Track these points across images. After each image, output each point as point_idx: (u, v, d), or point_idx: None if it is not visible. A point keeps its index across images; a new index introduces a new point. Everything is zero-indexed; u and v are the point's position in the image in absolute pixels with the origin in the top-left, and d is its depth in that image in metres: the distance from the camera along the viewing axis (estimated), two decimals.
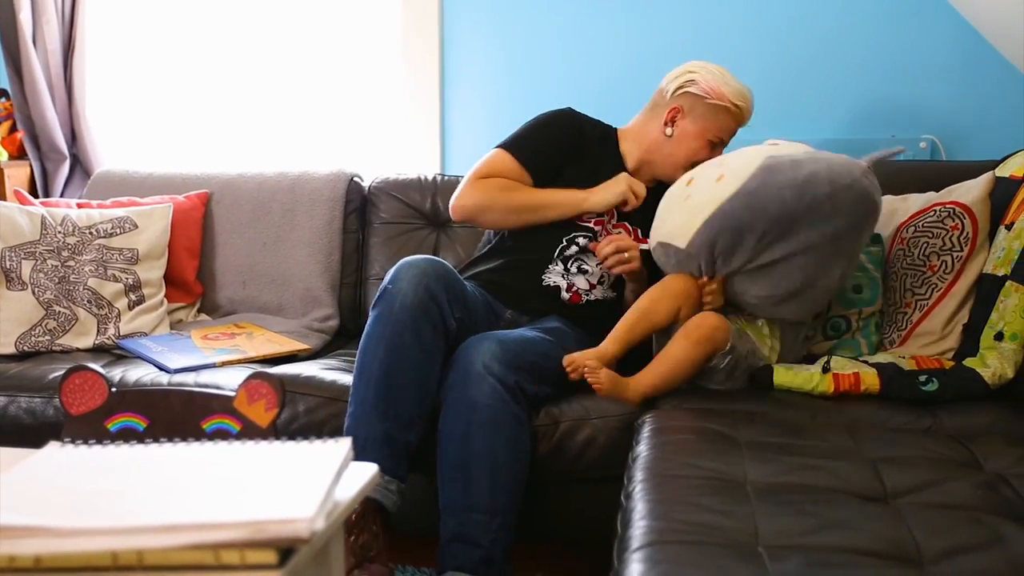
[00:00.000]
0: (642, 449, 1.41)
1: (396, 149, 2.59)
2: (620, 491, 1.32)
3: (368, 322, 1.63)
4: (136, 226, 2.19)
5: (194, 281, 2.29)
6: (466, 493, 1.52)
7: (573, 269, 1.92)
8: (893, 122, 2.36)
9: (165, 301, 2.19)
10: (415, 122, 2.53)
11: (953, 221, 1.87)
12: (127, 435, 1.08)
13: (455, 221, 2.01)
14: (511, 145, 1.93)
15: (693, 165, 1.85)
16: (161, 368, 1.87)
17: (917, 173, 2.10)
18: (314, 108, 2.69)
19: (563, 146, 1.94)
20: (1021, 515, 1.15)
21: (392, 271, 1.65)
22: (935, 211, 1.90)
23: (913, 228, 1.93)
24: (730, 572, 0.96)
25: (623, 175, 1.90)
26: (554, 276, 1.92)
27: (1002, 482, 1.26)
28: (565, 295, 1.92)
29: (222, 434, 1.09)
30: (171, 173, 2.43)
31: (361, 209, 2.36)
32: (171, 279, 2.23)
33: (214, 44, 2.72)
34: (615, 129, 2.03)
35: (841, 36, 2.35)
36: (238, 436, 1.08)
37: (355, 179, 2.38)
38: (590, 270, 1.93)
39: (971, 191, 1.88)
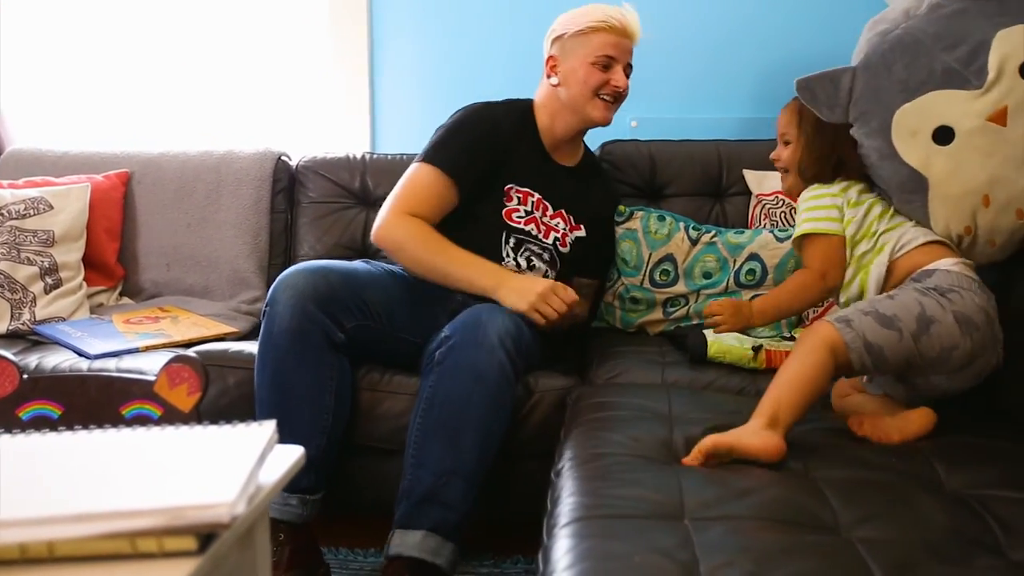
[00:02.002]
0: (572, 425, 1.42)
1: (324, 127, 2.54)
2: (551, 468, 1.33)
3: (259, 339, 1.63)
4: (51, 207, 2.10)
5: (115, 264, 2.22)
6: (452, 456, 1.52)
7: (523, 264, 1.87)
8: None
9: (84, 285, 2.11)
10: (344, 98, 2.49)
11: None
12: (40, 423, 1.04)
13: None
14: (432, 157, 1.83)
15: (600, 93, 1.85)
16: (80, 354, 1.81)
17: None
18: (239, 84, 2.61)
19: (482, 147, 1.86)
20: (931, 482, 1.20)
21: (273, 286, 1.63)
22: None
23: None
24: (656, 543, 0.98)
25: (540, 287, 1.71)
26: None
27: (915, 452, 1.31)
28: (539, 263, 1.90)
29: (142, 420, 1.06)
30: (88, 152, 2.34)
31: (289, 188, 2.32)
32: (90, 262, 2.16)
33: (133, 17, 2.62)
34: (531, 102, 1.97)
35: (767, 17, 2.39)
36: (159, 422, 1.05)
37: (283, 158, 2.33)
38: (538, 263, 1.88)
39: None
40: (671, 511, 1.07)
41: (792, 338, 1.91)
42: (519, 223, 1.87)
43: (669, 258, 2.04)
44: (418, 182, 1.82)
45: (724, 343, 1.78)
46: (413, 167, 1.85)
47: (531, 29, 2.41)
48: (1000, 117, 1.44)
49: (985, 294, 1.41)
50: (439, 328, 1.66)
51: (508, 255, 1.85)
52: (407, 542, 1.50)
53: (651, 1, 2.38)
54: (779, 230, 2.03)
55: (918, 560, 0.98)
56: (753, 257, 1.99)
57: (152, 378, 1.07)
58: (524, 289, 1.70)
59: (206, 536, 0.68)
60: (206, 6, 2.59)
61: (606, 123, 1.89)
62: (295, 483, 1.53)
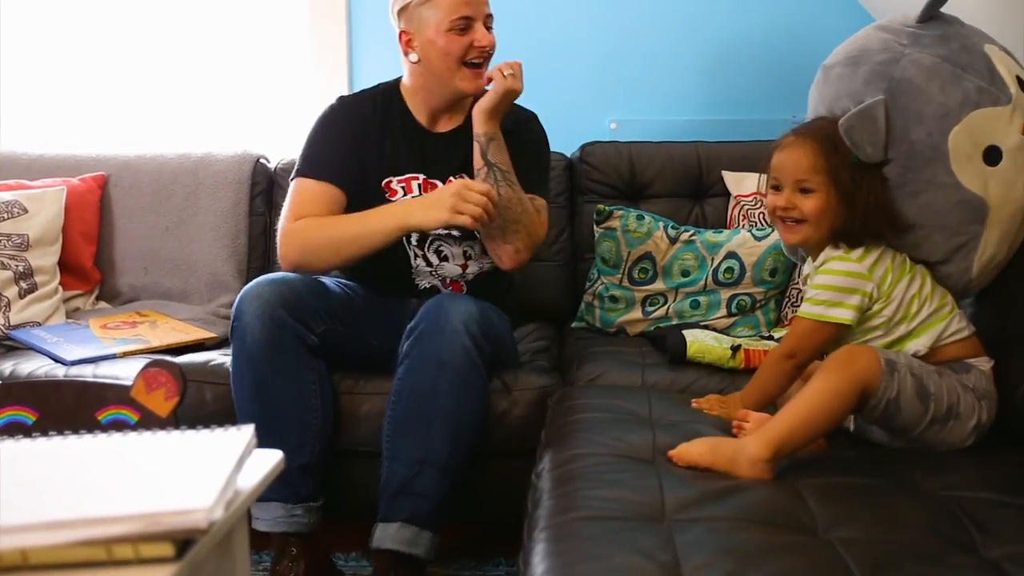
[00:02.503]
0: (553, 427, 1.42)
1: (303, 129, 2.51)
2: (532, 469, 1.33)
3: (230, 358, 1.60)
4: (26, 210, 2.07)
5: (91, 268, 2.20)
6: (423, 447, 1.52)
7: (435, 259, 1.78)
8: (793, 103, 2.43)
9: (60, 289, 2.09)
10: (322, 100, 2.44)
11: None
12: (14, 430, 1.03)
13: None
14: (304, 168, 1.75)
15: (466, 61, 1.68)
16: (57, 360, 1.79)
17: None
18: (217, 86, 2.60)
19: (351, 142, 1.75)
20: (907, 484, 1.21)
21: (237, 301, 1.59)
22: None
23: None
24: (637, 544, 0.98)
25: (450, 190, 1.60)
26: (424, 278, 1.80)
27: (891, 455, 1.33)
28: (447, 289, 1.81)
29: (119, 425, 1.04)
30: (64, 154, 2.31)
31: (268, 191, 2.30)
32: (66, 266, 2.13)
33: (110, 18, 2.59)
34: (398, 82, 1.83)
35: (744, 22, 2.41)
36: (136, 427, 1.04)
37: (261, 160, 2.31)
38: (449, 251, 1.78)
39: None
40: (652, 512, 1.08)
41: (771, 337, 1.92)
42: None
43: (648, 256, 2.05)
44: (299, 198, 1.72)
45: (703, 343, 1.79)
46: (292, 185, 1.75)
47: (509, 30, 2.42)
48: None
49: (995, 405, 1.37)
50: (404, 323, 1.63)
51: (416, 255, 1.77)
52: (385, 535, 1.52)
53: (631, 4, 2.41)
54: (757, 229, 2.04)
55: (895, 559, 0.99)
56: (731, 255, 2.01)
57: (129, 383, 1.06)
58: (435, 200, 1.60)
59: (183, 542, 0.67)
60: (184, 8, 2.57)
61: (479, 91, 1.70)
62: (296, 492, 1.57)
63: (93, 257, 2.21)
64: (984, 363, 1.37)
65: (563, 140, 2.31)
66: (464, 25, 1.66)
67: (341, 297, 1.74)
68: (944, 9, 1.48)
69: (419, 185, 1.77)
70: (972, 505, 1.13)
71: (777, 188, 1.43)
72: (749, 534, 1.03)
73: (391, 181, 1.77)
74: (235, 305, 1.59)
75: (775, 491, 1.16)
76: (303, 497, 1.58)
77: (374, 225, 1.65)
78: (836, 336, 1.39)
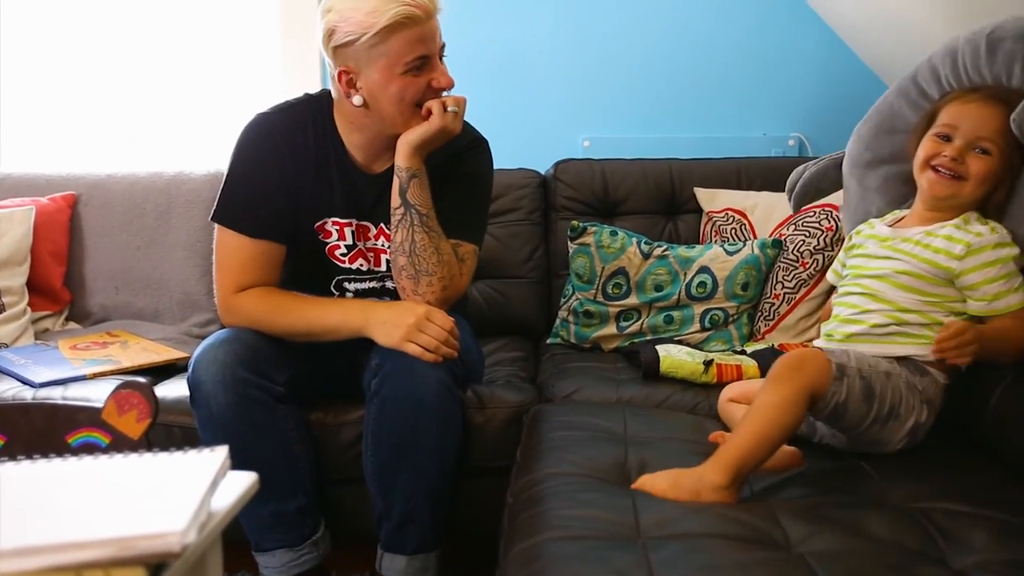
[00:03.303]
0: (528, 445, 1.42)
1: None
2: (507, 487, 1.33)
3: (196, 423, 1.52)
4: None
5: (61, 288, 2.17)
6: (414, 483, 1.51)
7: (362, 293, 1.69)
8: (764, 121, 2.48)
9: (28, 310, 2.07)
10: None
11: (828, 223, 1.99)
12: None
13: None
14: (238, 219, 1.56)
15: (421, 103, 1.50)
16: (24, 382, 1.76)
17: (789, 168, 2.19)
18: (189, 105, 2.59)
19: (286, 181, 1.57)
20: (875, 497, 1.23)
21: (191, 367, 1.50)
22: (815, 212, 2.01)
23: (793, 226, 2.04)
24: (611, 563, 0.98)
25: (412, 317, 1.48)
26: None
27: (857, 468, 1.34)
28: (388, 298, 1.69)
29: (89, 448, 1.03)
30: (32, 174, 2.29)
31: None
32: (35, 286, 2.11)
33: (80, 36, 2.58)
34: (330, 109, 1.61)
35: (715, 41, 2.45)
36: (107, 449, 1.03)
37: None
38: (367, 286, 1.69)
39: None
40: (626, 531, 1.08)
41: (744, 352, 1.94)
42: (343, 262, 1.65)
43: (621, 271, 2.06)
44: (228, 251, 1.57)
45: (676, 358, 1.81)
46: (216, 234, 1.60)
47: (482, 49, 2.44)
48: None
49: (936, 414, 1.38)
50: (365, 349, 1.55)
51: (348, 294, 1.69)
52: (395, 567, 1.55)
53: (603, 23, 2.44)
54: (729, 245, 2.07)
55: (865, 571, 1.00)
56: (704, 270, 2.03)
57: (99, 405, 1.05)
58: (395, 321, 1.48)
59: (156, 566, 0.67)
60: (155, 25, 2.56)
61: None
62: (300, 534, 1.56)
63: (63, 277, 2.18)
64: (942, 377, 1.38)
65: (537, 157, 2.34)
66: (420, 64, 1.46)
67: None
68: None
69: (352, 232, 1.64)
70: (940, 517, 1.15)
71: (947, 138, 1.38)
72: (723, 551, 1.04)
73: (325, 223, 1.63)
74: (191, 371, 1.50)
75: (748, 508, 1.17)
76: (307, 535, 1.57)
77: (330, 323, 1.53)
78: None
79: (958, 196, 1.38)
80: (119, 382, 1.06)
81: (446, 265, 1.54)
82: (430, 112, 1.50)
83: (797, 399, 1.23)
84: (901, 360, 1.37)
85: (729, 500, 1.19)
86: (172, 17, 2.56)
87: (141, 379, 1.62)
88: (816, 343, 1.49)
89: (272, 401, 1.52)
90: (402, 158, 1.51)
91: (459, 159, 1.64)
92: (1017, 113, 1.32)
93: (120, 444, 1.03)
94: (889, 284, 1.40)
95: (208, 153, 2.54)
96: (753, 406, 1.26)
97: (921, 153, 1.42)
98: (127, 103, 2.60)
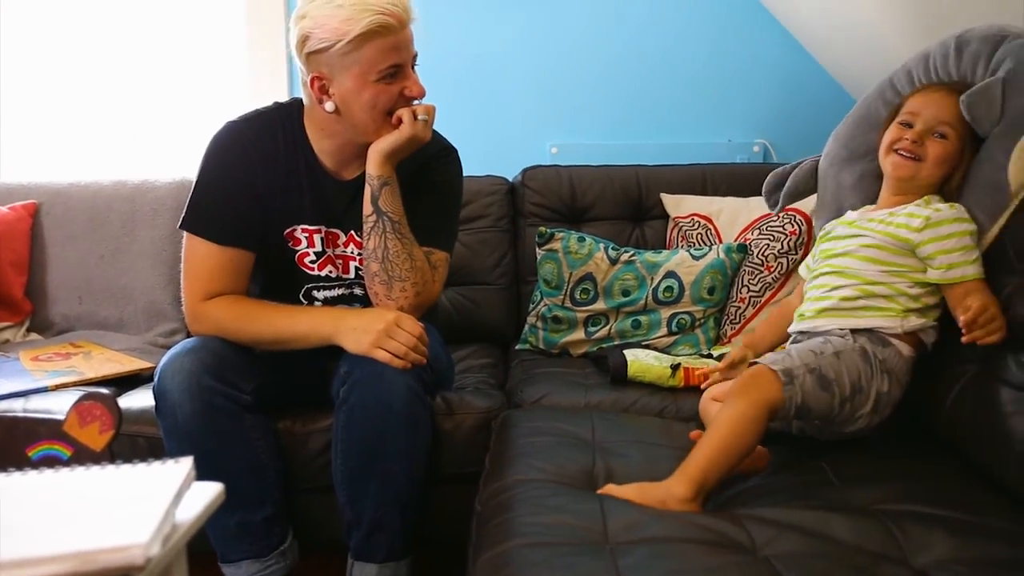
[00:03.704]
0: (497, 451, 1.42)
1: None
2: (476, 493, 1.33)
3: (162, 433, 1.50)
4: None
5: (22, 298, 2.14)
6: (384, 489, 1.50)
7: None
8: (729, 128, 2.52)
9: None
10: None
11: (792, 227, 2.02)
12: None
13: None
14: (206, 226, 1.55)
15: (393, 111, 1.51)
16: None
17: (754, 174, 2.25)
18: (155, 113, 2.56)
19: (254, 189, 1.57)
20: (837, 499, 1.25)
21: (157, 376, 1.48)
22: (779, 216, 2.04)
23: (758, 231, 2.07)
24: (579, 569, 0.99)
25: (382, 323, 1.48)
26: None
27: (818, 470, 1.36)
28: (358, 305, 1.69)
29: (51, 461, 1.02)
30: None
31: None
32: None
33: (42, 42, 2.54)
34: (301, 116, 1.61)
35: (681, 50, 2.47)
36: (69, 462, 1.02)
37: None
38: (336, 293, 1.68)
39: (812, 202, 2.02)
40: (594, 536, 1.08)
41: (710, 355, 1.96)
42: (312, 269, 1.65)
43: (589, 277, 2.08)
44: (196, 259, 1.56)
45: (643, 362, 1.82)
46: (185, 241, 1.58)
47: (451, 56, 2.45)
48: None
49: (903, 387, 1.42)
50: (334, 357, 1.54)
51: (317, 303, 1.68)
52: (366, 575, 1.54)
53: (571, 31, 2.46)
54: (695, 249, 2.09)
55: (829, 573, 1.02)
56: (670, 275, 2.05)
57: (61, 417, 1.03)
58: (364, 328, 1.48)
59: None
60: (120, 33, 2.54)
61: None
62: (267, 544, 1.54)
63: (24, 287, 2.15)
64: (906, 349, 1.42)
65: (505, 164, 2.35)
66: (393, 73, 1.47)
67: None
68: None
69: (321, 239, 1.63)
70: (900, 517, 1.16)
71: (909, 125, 1.48)
72: (690, 555, 1.04)
73: (295, 230, 1.62)
74: (156, 380, 1.48)
75: (714, 513, 1.18)
76: (274, 545, 1.56)
77: (299, 331, 1.53)
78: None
79: (918, 177, 1.47)
80: (82, 393, 1.05)
81: (419, 271, 1.55)
82: (400, 120, 1.51)
83: (756, 414, 1.28)
84: (866, 332, 1.42)
85: (695, 511, 1.21)
86: (137, 24, 2.54)
87: (104, 390, 1.61)
88: (791, 328, 1.53)
89: (239, 410, 1.50)
90: (373, 166, 1.52)
91: (429, 168, 1.64)
92: (965, 96, 1.43)
93: (82, 456, 1.02)
94: (855, 258, 1.47)
95: (174, 161, 2.52)
96: (715, 421, 1.30)
97: (886, 139, 1.51)
98: (91, 111, 2.57)
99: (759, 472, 1.36)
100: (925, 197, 1.47)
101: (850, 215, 1.57)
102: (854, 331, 1.42)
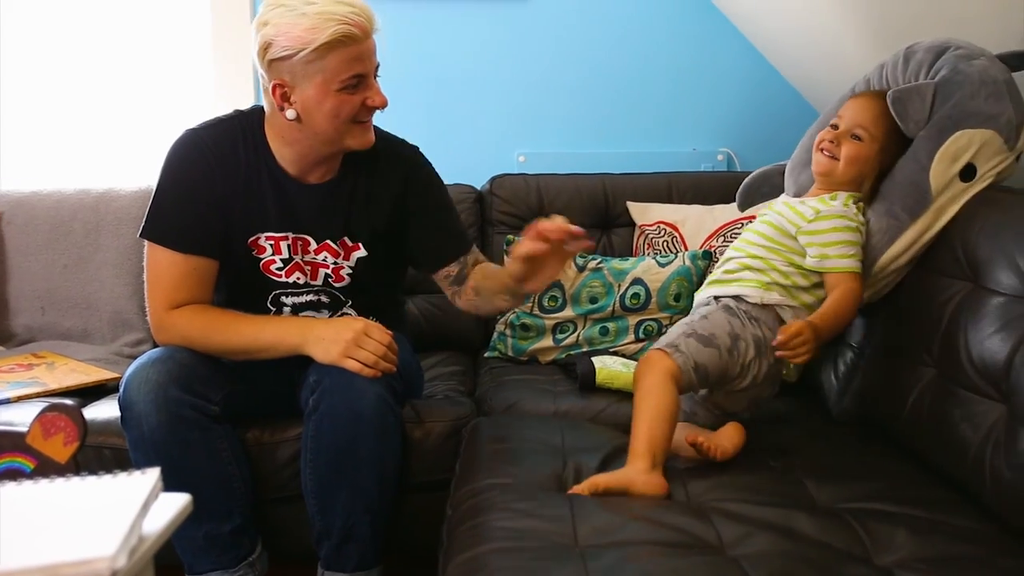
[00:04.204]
0: (467, 458, 1.43)
1: None
2: (447, 500, 1.34)
3: (128, 444, 1.48)
4: None
5: None
6: (354, 498, 1.49)
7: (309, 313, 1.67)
8: (694, 137, 2.55)
9: None
10: None
11: None
12: None
13: None
14: (168, 235, 1.53)
15: (357, 119, 1.50)
16: None
17: (719, 182, 2.29)
18: (118, 120, 2.53)
19: (217, 197, 1.55)
20: (803, 499, 1.27)
21: (123, 387, 1.47)
22: (742, 223, 2.07)
23: (722, 238, 2.10)
24: (550, 574, 1.00)
25: (350, 333, 1.48)
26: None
27: (788, 471, 1.39)
28: (327, 312, 1.68)
29: (13, 474, 1.00)
30: None
31: None
32: None
33: (2, 51, 2.51)
34: (262, 123, 1.59)
35: (647, 61, 2.50)
36: (32, 475, 1.00)
37: None
38: (304, 299, 1.66)
39: None
40: (565, 541, 1.10)
41: None
42: (279, 276, 1.62)
43: (557, 284, 2.09)
44: (159, 268, 1.54)
45: (611, 369, 1.84)
46: (146, 250, 1.57)
47: (420, 65, 2.45)
48: (996, 174, 1.51)
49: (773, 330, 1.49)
50: (302, 367, 1.54)
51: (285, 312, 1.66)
52: None
53: (538, 42, 2.48)
54: (661, 257, 2.11)
55: (795, 573, 1.04)
56: (637, 282, 2.07)
57: (24, 429, 1.02)
58: (332, 337, 1.48)
59: None
60: (83, 39, 2.51)
61: (369, 146, 1.55)
62: (236, 555, 1.53)
63: None
64: (767, 318, 1.51)
65: (473, 173, 2.36)
66: (356, 83, 1.46)
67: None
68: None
69: (288, 246, 1.61)
70: (863, 515, 1.19)
71: (835, 127, 1.59)
72: (659, 558, 1.06)
73: (259, 238, 1.60)
74: (122, 391, 1.47)
75: (683, 514, 1.20)
76: (242, 556, 1.54)
77: (267, 340, 1.52)
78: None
79: (833, 173, 1.58)
80: (45, 405, 1.04)
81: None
82: (362, 126, 1.53)
83: (659, 381, 1.40)
84: (730, 298, 1.54)
85: (660, 484, 1.28)
86: (101, 32, 2.51)
87: (69, 401, 1.59)
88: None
89: (206, 421, 1.49)
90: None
91: (414, 173, 1.65)
92: (892, 92, 1.53)
93: (46, 469, 1.01)
94: (750, 232, 1.62)
95: (139, 170, 2.49)
96: (635, 403, 1.42)
97: (816, 138, 1.63)
98: (54, 119, 2.53)
99: (738, 448, 1.43)
100: (835, 192, 1.58)
101: (776, 200, 1.69)
102: (717, 297, 1.56)
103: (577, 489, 1.27)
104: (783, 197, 1.73)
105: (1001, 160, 1.50)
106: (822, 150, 1.59)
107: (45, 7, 2.50)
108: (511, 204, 2.29)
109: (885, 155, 1.57)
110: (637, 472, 1.30)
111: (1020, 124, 1.51)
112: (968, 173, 1.50)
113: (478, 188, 2.34)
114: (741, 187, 1.94)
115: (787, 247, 1.56)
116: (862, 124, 1.56)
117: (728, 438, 1.43)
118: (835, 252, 1.51)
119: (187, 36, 2.50)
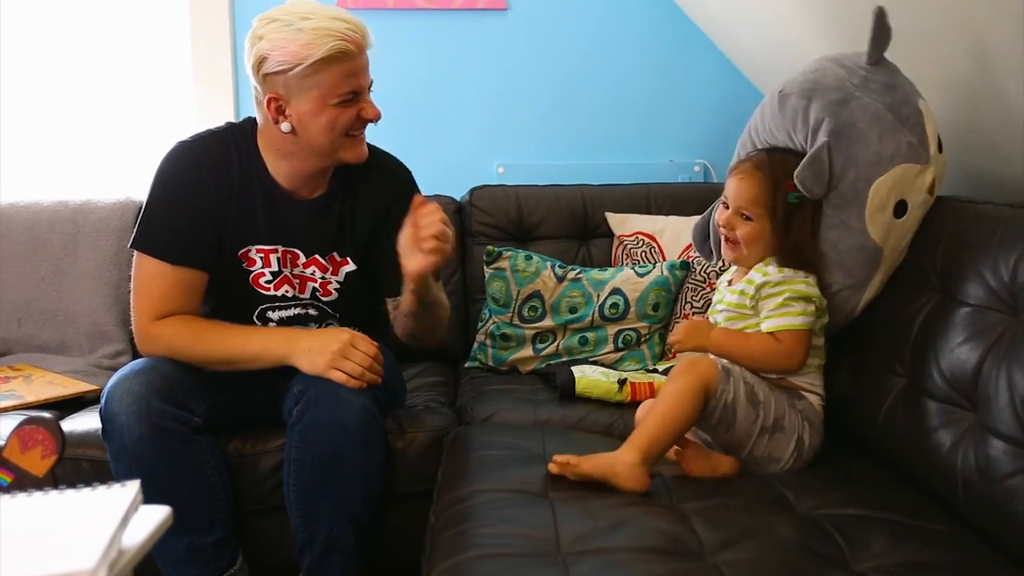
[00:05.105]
0: (450, 467, 1.43)
1: None
2: (429, 509, 1.34)
3: (109, 456, 1.48)
4: None
5: None
6: (338, 507, 1.49)
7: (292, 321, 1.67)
8: (671, 149, 2.58)
9: None
10: None
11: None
12: None
13: None
14: (145, 243, 1.54)
15: (350, 132, 1.53)
16: None
17: (695, 193, 2.31)
18: (96, 132, 2.52)
19: (209, 209, 1.55)
20: (782, 506, 1.29)
21: (104, 398, 1.47)
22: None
23: None
24: None
25: (336, 344, 1.49)
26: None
27: (765, 478, 1.40)
28: (314, 325, 1.68)
29: None
30: None
31: None
32: None
33: None
34: (255, 137, 1.60)
35: (624, 74, 2.53)
36: (9, 489, 1.00)
37: None
38: (291, 313, 1.66)
39: None
40: (547, 548, 1.10)
41: (656, 370, 2.00)
42: (268, 289, 1.62)
43: (536, 295, 2.10)
44: (147, 279, 1.55)
45: (591, 378, 1.85)
46: (135, 261, 1.57)
47: (400, 77, 2.46)
48: (931, 188, 1.50)
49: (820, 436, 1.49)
50: (285, 377, 1.55)
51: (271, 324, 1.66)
52: None
53: (518, 54, 2.50)
54: (639, 267, 2.13)
55: None
56: (616, 292, 2.08)
57: (1, 442, 1.01)
58: (319, 348, 1.48)
59: None
60: (60, 50, 2.50)
61: (362, 159, 1.58)
62: (217, 567, 1.52)
63: None
64: (817, 401, 1.50)
65: (453, 184, 2.37)
66: (351, 98, 1.49)
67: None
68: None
69: (278, 259, 1.61)
70: (841, 522, 1.21)
71: (727, 206, 1.56)
72: (642, 563, 1.07)
73: (249, 250, 1.60)
74: (103, 403, 1.46)
75: (665, 520, 1.21)
76: (224, 568, 1.54)
77: (253, 351, 1.52)
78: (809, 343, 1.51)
79: (740, 258, 1.56)
80: (23, 418, 1.03)
81: (445, 308, 1.70)
82: (355, 139, 1.55)
83: (694, 388, 1.38)
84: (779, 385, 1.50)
85: (642, 480, 1.30)
86: (79, 43, 2.50)
87: (46, 414, 1.58)
88: None
89: (189, 432, 1.49)
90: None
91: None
92: (798, 172, 1.46)
93: (23, 483, 1.00)
94: (720, 313, 1.58)
95: (117, 181, 2.48)
96: (658, 397, 1.41)
97: (716, 218, 1.61)
98: (31, 130, 2.52)
99: (719, 476, 1.42)
100: (758, 265, 1.53)
101: (723, 280, 1.65)
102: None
103: (556, 467, 1.32)
104: (723, 283, 1.65)
105: (924, 178, 1.48)
106: (725, 238, 1.56)
107: (21, 20, 2.49)
108: (490, 215, 2.30)
109: (783, 219, 1.51)
110: (624, 462, 1.31)
111: (921, 137, 1.47)
112: (902, 208, 1.48)
113: (458, 199, 2.35)
114: (697, 238, 1.80)
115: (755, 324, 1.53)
116: (746, 203, 1.52)
117: (719, 463, 1.43)
118: (770, 315, 1.49)
119: (166, 48, 2.50)
